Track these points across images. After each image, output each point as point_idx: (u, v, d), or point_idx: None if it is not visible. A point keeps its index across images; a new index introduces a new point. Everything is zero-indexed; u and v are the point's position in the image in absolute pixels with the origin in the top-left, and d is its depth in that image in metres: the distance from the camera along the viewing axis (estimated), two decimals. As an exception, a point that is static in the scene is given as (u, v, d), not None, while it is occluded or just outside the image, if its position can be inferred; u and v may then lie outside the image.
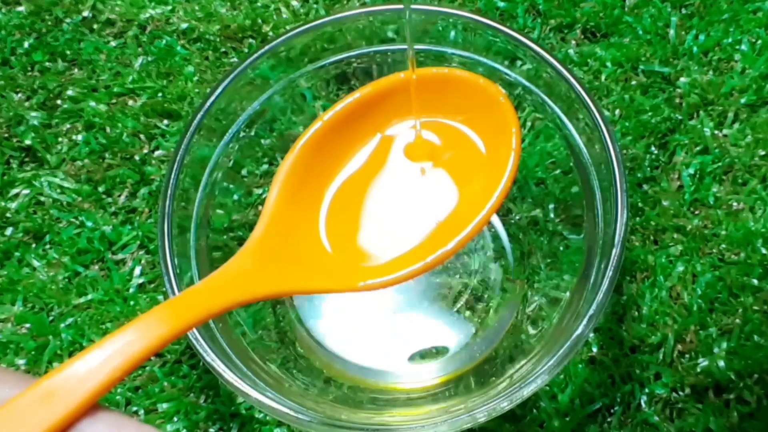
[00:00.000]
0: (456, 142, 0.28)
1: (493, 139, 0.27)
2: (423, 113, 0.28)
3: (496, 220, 0.40)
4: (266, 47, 0.35)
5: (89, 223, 0.41)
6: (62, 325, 0.39)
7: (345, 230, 0.26)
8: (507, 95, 0.27)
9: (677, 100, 0.42)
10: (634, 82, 0.43)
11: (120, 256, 0.40)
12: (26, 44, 0.45)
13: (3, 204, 0.41)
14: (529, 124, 0.38)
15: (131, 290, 0.39)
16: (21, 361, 0.38)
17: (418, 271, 0.26)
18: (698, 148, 0.41)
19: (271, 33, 0.45)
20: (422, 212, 0.27)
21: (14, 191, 0.42)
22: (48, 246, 0.41)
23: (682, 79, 0.42)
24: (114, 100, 0.44)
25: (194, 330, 0.31)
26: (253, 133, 0.37)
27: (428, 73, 0.28)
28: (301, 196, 0.27)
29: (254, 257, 0.24)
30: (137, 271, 0.40)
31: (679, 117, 0.42)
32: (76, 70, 0.45)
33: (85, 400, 0.19)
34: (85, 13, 0.46)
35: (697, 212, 0.40)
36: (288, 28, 0.44)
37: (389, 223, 0.27)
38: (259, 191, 0.40)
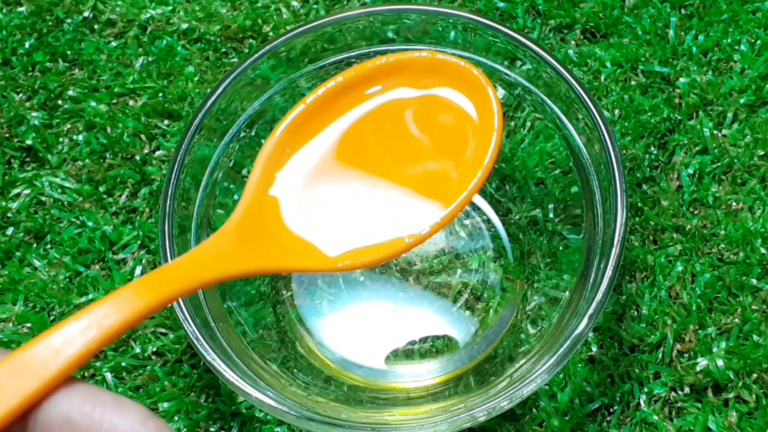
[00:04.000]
0: (439, 124, 0.28)
1: (476, 120, 0.27)
2: (409, 99, 0.28)
3: (496, 220, 0.40)
4: (266, 47, 0.35)
5: (90, 223, 0.41)
6: (63, 324, 0.39)
7: (325, 211, 0.27)
8: (488, 78, 0.27)
9: (676, 101, 0.42)
10: (633, 83, 0.43)
11: (121, 255, 0.40)
12: (27, 44, 0.45)
13: (4, 204, 0.41)
14: (528, 124, 0.38)
15: (132, 290, 0.40)
16: (22, 361, 0.38)
17: (398, 251, 0.26)
18: (697, 148, 0.41)
19: (271, 33, 0.45)
20: (404, 192, 0.27)
21: (15, 191, 0.42)
22: (49, 246, 0.41)
23: (682, 80, 0.42)
24: (115, 101, 0.44)
25: (195, 329, 0.31)
26: (253, 133, 0.37)
27: (411, 57, 0.28)
28: (284, 177, 0.27)
29: (233, 237, 0.25)
30: (138, 270, 0.40)
31: (679, 117, 0.42)
32: (76, 70, 0.45)
33: (60, 372, 0.19)
34: (86, 14, 0.46)
35: (696, 212, 0.40)
36: (288, 28, 0.44)
37: (370, 204, 0.27)
38: (260, 191, 0.40)
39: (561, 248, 0.38)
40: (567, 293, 0.35)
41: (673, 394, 0.37)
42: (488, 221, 0.40)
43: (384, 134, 0.28)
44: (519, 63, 0.36)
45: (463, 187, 0.26)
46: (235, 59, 0.45)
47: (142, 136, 0.43)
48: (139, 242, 0.41)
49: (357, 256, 0.26)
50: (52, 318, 0.39)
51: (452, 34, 0.36)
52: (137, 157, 0.42)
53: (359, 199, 0.27)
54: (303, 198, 0.27)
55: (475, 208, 0.40)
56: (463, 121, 0.27)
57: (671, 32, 0.44)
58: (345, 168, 0.27)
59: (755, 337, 0.37)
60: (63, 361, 0.19)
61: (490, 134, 0.26)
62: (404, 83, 0.28)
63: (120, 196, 0.42)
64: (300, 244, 0.26)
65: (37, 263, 0.40)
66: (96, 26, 0.46)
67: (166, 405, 0.37)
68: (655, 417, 0.36)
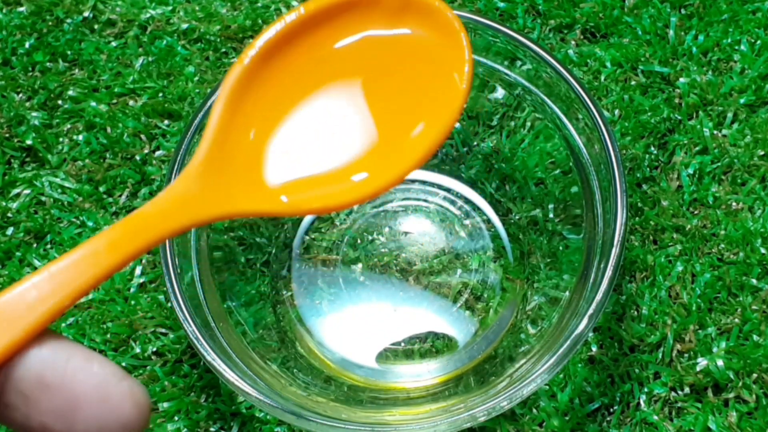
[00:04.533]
0: (407, 70, 0.27)
1: (445, 68, 0.26)
2: (378, 39, 0.27)
3: (496, 220, 0.40)
4: (267, 48, 0.35)
5: (90, 223, 0.41)
6: (63, 324, 0.39)
7: (291, 150, 0.25)
8: (464, 27, 0.26)
9: (676, 101, 0.42)
10: (633, 83, 0.43)
11: (121, 255, 0.40)
12: (27, 44, 0.45)
13: (4, 204, 0.41)
14: (528, 124, 0.38)
15: (132, 290, 0.40)
16: (22, 361, 0.38)
17: (365, 196, 0.25)
18: (697, 148, 0.41)
19: (271, 33, 0.45)
20: (371, 139, 0.26)
21: (15, 191, 0.42)
22: (49, 246, 0.41)
23: (682, 80, 0.42)
24: (115, 101, 0.44)
25: (195, 329, 0.31)
26: (253, 133, 0.37)
27: None
28: (247, 113, 0.26)
29: (201, 177, 0.23)
30: (138, 270, 0.40)
31: (679, 117, 0.42)
32: (76, 70, 0.45)
33: (33, 328, 0.18)
34: (86, 14, 0.46)
35: (696, 212, 0.40)
36: (288, 28, 0.44)
37: (338, 146, 0.26)
38: (260, 191, 0.40)
39: (561, 248, 0.38)
40: (567, 293, 0.35)
41: (673, 394, 0.37)
42: (488, 221, 0.40)
43: (353, 76, 0.27)
44: (519, 63, 0.36)
45: (429, 138, 0.25)
46: (235, 59, 0.45)
47: (142, 136, 0.43)
48: (139, 242, 0.41)
49: (316, 197, 0.25)
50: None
51: (452, 34, 0.36)
52: (137, 157, 0.42)
53: (326, 141, 0.26)
54: (268, 135, 0.25)
55: (475, 208, 0.40)
56: (431, 68, 0.26)
57: (671, 32, 0.44)
58: (313, 103, 0.26)
59: (755, 337, 0.37)
60: (37, 317, 0.18)
61: (459, 85, 0.25)
62: (375, 20, 0.26)
63: (120, 196, 0.42)
64: (263, 185, 0.25)
65: (37, 263, 0.40)
66: (96, 26, 0.46)
67: (166, 405, 0.37)
68: (655, 417, 0.36)
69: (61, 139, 0.43)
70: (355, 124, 0.26)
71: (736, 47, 0.43)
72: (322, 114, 0.26)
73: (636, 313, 0.38)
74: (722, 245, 0.39)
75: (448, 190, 0.41)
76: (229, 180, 0.24)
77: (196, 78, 0.44)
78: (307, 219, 0.41)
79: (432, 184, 0.41)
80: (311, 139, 0.26)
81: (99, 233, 0.20)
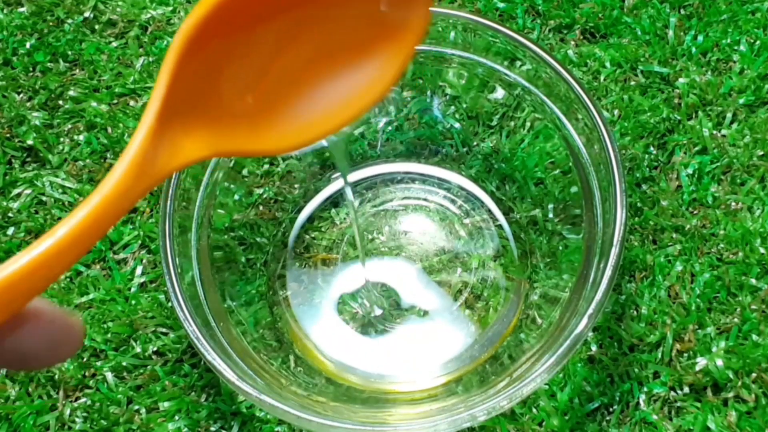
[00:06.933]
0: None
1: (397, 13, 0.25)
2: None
3: (501, 219, 0.40)
4: (267, 48, 0.35)
5: (91, 223, 0.41)
6: (64, 324, 0.39)
7: (253, 87, 0.25)
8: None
9: (676, 101, 0.42)
10: (633, 83, 0.43)
11: (121, 255, 0.41)
12: (28, 45, 0.45)
13: (5, 204, 0.42)
14: (528, 124, 0.38)
15: (132, 289, 0.40)
16: (23, 360, 0.38)
17: (328, 129, 0.24)
18: (697, 148, 0.41)
19: (271, 33, 0.45)
20: (336, 71, 0.25)
21: (16, 191, 0.42)
22: (50, 245, 0.41)
23: (681, 80, 0.43)
24: (115, 101, 0.44)
25: (196, 329, 0.31)
26: (253, 133, 0.37)
27: None
28: (208, 49, 0.25)
29: (158, 134, 0.22)
30: (139, 270, 0.40)
31: (678, 117, 0.42)
32: (77, 70, 0.45)
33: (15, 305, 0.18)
34: (87, 14, 0.46)
35: (695, 212, 0.40)
36: (288, 28, 0.44)
37: (302, 80, 0.25)
38: (260, 191, 0.40)
39: (561, 248, 0.38)
40: (567, 293, 0.35)
41: (672, 393, 0.37)
42: (488, 220, 0.40)
43: (311, 14, 0.26)
44: (519, 63, 0.36)
45: (387, 75, 0.24)
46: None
47: (143, 136, 0.43)
48: (139, 242, 0.41)
49: (291, 134, 0.24)
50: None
51: (452, 34, 0.36)
52: (138, 157, 0.42)
53: (290, 76, 0.25)
54: (229, 75, 0.24)
55: (476, 207, 0.40)
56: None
57: (670, 32, 0.44)
58: (276, 41, 0.25)
59: (754, 337, 0.37)
60: (15, 297, 0.18)
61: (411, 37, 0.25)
62: None
63: (120, 196, 0.42)
64: (228, 124, 0.24)
65: (37, 263, 0.40)
66: (97, 26, 0.46)
67: (166, 404, 0.37)
68: (655, 416, 0.36)
69: (61, 139, 0.43)
70: (315, 62, 0.25)
71: (736, 47, 0.43)
72: (297, 49, 0.25)
73: (635, 312, 0.38)
74: (721, 245, 0.39)
75: (448, 189, 0.41)
76: (192, 125, 0.23)
77: (197, 78, 0.44)
78: (304, 217, 0.41)
79: (432, 183, 0.41)
80: (290, 78, 0.25)
81: (55, 229, 0.19)
